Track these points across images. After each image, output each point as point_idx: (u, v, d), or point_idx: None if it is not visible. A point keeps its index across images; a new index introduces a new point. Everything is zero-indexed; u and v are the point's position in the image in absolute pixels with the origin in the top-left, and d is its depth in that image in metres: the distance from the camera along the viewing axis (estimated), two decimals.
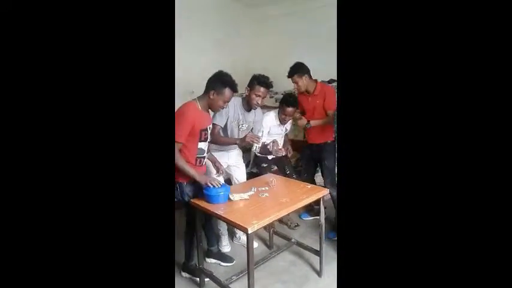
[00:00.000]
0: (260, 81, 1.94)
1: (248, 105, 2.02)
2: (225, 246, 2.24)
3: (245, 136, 1.94)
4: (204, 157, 1.82)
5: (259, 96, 1.95)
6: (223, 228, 2.21)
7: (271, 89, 2.10)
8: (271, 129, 2.40)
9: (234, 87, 1.71)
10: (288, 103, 2.27)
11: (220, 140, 2.00)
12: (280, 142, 2.46)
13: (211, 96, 1.69)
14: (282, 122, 2.37)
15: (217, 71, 1.75)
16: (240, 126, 2.07)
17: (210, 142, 1.91)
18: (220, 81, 1.68)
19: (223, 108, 1.77)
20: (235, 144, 2.03)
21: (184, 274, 1.94)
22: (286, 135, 2.58)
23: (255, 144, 1.89)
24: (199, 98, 1.74)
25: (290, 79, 2.32)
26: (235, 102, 2.01)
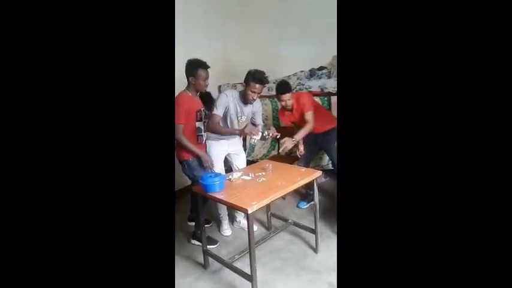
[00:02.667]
0: (255, 77, 2.00)
1: (245, 99, 2.11)
2: (226, 230, 2.37)
3: (244, 128, 2.09)
4: (202, 135, 2.07)
5: (254, 92, 2.04)
6: (223, 212, 2.33)
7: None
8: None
9: (203, 66, 1.95)
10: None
11: (220, 129, 2.12)
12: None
13: (192, 82, 1.97)
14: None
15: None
16: (239, 118, 2.18)
17: (210, 131, 2.11)
18: (191, 67, 1.95)
19: (206, 86, 1.99)
20: (236, 134, 2.16)
21: (193, 241, 2.23)
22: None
23: (254, 137, 2.03)
24: (186, 87, 2.01)
25: (279, 96, 2.32)
26: (234, 95, 2.12)
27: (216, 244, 2.20)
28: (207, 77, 1.99)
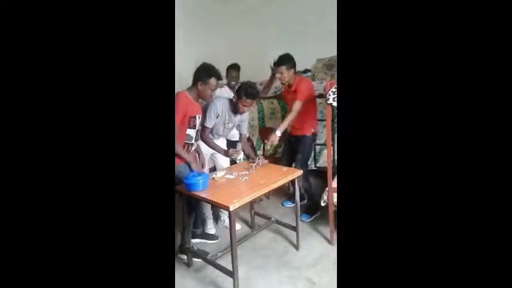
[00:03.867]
0: (248, 93, 2.03)
1: (235, 109, 2.15)
2: (211, 229, 2.40)
3: (228, 150, 2.18)
4: (192, 144, 1.98)
5: (246, 106, 2.10)
6: (208, 212, 2.37)
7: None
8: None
9: (218, 76, 1.89)
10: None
11: (210, 143, 2.18)
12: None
13: (199, 87, 1.87)
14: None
15: (201, 63, 1.91)
16: (226, 125, 2.23)
17: (202, 140, 2.14)
18: (205, 73, 1.85)
19: (212, 96, 1.95)
20: (220, 153, 2.23)
21: (181, 256, 2.05)
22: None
23: (237, 157, 2.17)
24: (189, 89, 1.91)
25: (275, 68, 2.31)
26: (224, 104, 2.15)
27: (217, 239, 2.25)
28: (215, 88, 1.92)
